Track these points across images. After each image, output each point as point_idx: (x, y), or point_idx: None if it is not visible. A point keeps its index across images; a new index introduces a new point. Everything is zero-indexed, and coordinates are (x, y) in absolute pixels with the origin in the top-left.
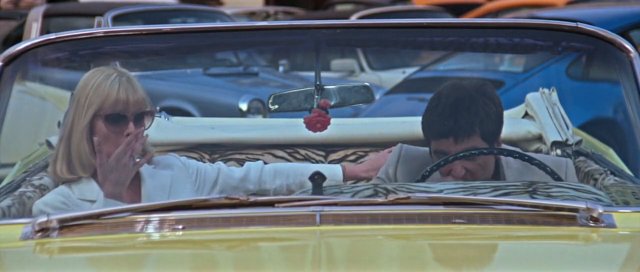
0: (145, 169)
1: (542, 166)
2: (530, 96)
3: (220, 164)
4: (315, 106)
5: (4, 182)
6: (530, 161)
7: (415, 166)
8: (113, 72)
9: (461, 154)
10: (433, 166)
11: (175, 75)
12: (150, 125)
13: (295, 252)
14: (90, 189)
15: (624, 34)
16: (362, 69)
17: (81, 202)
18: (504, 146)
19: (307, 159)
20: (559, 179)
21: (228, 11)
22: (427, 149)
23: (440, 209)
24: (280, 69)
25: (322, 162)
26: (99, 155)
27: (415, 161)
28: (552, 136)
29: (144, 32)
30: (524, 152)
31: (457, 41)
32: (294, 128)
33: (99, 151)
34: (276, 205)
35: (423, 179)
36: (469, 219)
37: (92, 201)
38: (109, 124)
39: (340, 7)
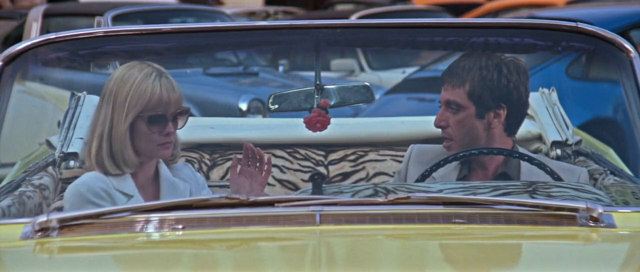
0: (164, 179)
1: (542, 166)
2: (530, 96)
3: None
4: (315, 106)
5: (4, 182)
6: (530, 161)
7: (426, 162)
8: (152, 71)
9: (461, 154)
10: (433, 166)
11: (175, 75)
12: (185, 124)
13: (295, 252)
14: (127, 182)
15: (624, 34)
16: (362, 69)
17: (119, 195)
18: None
19: (307, 158)
20: (559, 179)
21: (228, 11)
22: (438, 146)
23: (440, 209)
24: (280, 69)
25: (322, 162)
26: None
27: (426, 158)
28: (552, 135)
29: (144, 32)
30: (527, 153)
31: (457, 41)
32: (294, 128)
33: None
34: (276, 205)
35: (423, 178)
36: (468, 218)
37: (129, 196)
38: (151, 125)
39: (340, 7)
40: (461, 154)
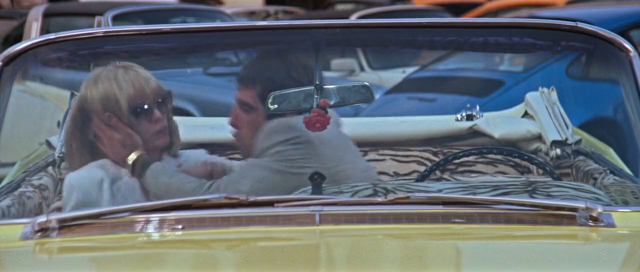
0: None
1: (542, 165)
2: (530, 96)
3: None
4: (314, 106)
5: (4, 182)
6: (531, 160)
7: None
8: (116, 71)
9: (461, 154)
10: (433, 165)
11: (176, 75)
12: (172, 107)
13: (295, 252)
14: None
15: (624, 34)
16: (362, 69)
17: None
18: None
19: None
20: (558, 178)
21: (228, 11)
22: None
23: (440, 209)
24: None
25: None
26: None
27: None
28: (551, 135)
29: (144, 32)
30: (523, 152)
31: (457, 41)
32: None
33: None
34: (276, 205)
35: (423, 178)
36: (468, 218)
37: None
38: (137, 118)
39: (340, 7)
40: (461, 154)
